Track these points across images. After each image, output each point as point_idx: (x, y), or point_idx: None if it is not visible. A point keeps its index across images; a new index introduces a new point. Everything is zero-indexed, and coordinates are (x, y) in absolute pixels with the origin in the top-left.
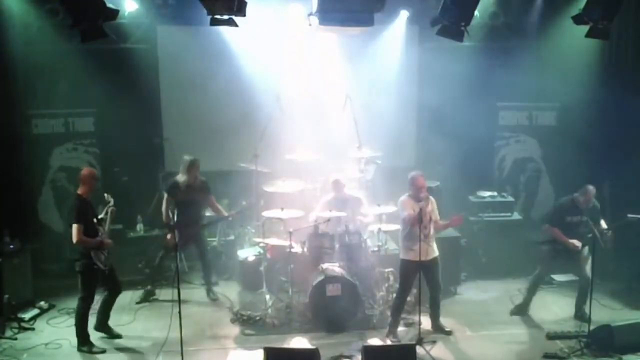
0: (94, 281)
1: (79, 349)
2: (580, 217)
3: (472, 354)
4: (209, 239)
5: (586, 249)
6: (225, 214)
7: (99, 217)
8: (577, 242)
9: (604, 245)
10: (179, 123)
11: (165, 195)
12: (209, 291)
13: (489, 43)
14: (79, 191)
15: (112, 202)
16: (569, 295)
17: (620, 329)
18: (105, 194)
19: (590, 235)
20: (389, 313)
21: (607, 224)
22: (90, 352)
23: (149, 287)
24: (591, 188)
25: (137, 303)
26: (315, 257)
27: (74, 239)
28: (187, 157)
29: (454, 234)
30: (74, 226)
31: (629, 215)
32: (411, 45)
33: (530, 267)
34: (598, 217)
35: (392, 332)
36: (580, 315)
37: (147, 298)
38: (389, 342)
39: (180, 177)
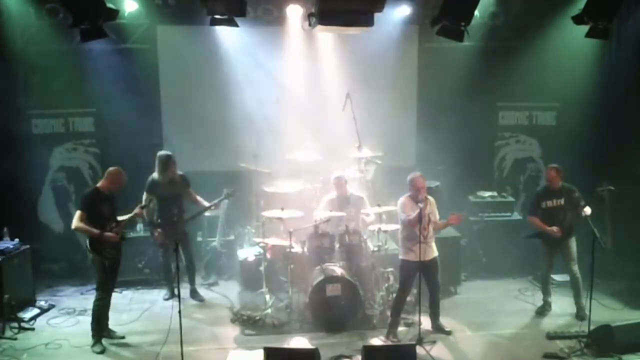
0: (101, 273)
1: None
2: (555, 201)
3: (472, 354)
4: (208, 239)
5: (574, 244)
6: (207, 204)
7: (122, 218)
8: (555, 229)
9: (604, 245)
10: (179, 123)
11: (145, 194)
12: (192, 292)
13: (489, 43)
14: (98, 184)
15: (142, 204)
16: (569, 295)
17: (620, 329)
18: (145, 196)
19: (569, 218)
20: (389, 313)
21: (584, 201)
22: (91, 349)
23: (172, 285)
24: (551, 166)
25: (166, 300)
26: (315, 257)
27: (72, 225)
28: (162, 153)
29: (454, 234)
30: (77, 212)
31: (598, 189)
32: (411, 45)
33: (530, 267)
34: (577, 200)
35: (392, 332)
36: (581, 315)
37: (174, 294)
38: (389, 342)
39: (157, 174)
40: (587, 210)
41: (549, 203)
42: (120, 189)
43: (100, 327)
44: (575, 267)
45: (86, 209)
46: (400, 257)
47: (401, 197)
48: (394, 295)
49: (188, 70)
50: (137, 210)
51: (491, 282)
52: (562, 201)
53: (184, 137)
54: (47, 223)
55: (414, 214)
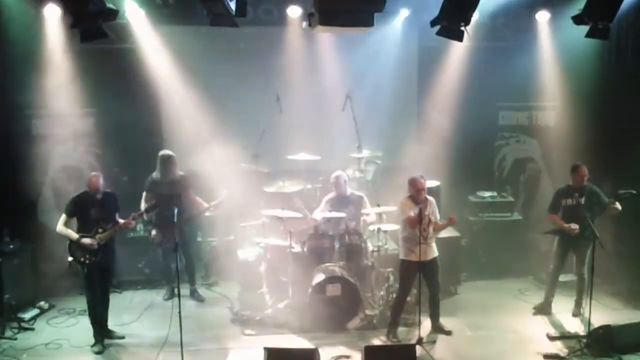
0: (82, 276)
1: None
2: (575, 200)
3: (472, 354)
4: (208, 239)
5: (590, 247)
6: (206, 205)
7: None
8: (573, 225)
9: (604, 245)
10: (179, 123)
11: (144, 193)
12: (192, 292)
13: (489, 43)
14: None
15: (137, 213)
16: (569, 295)
17: (620, 329)
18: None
19: (589, 218)
20: (388, 313)
21: (608, 198)
22: (91, 349)
23: (172, 286)
24: (579, 164)
25: (166, 300)
26: (315, 257)
27: (56, 228)
28: (163, 152)
29: (454, 234)
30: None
31: (620, 191)
32: (411, 45)
33: (530, 267)
34: (600, 199)
35: (392, 332)
36: (576, 312)
37: (174, 294)
38: (389, 342)
39: (157, 174)
40: (618, 206)
41: (569, 201)
42: (96, 193)
43: (98, 328)
44: (585, 269)
45: (68, 212)
46: (401, 257)
47: (402, 198)
48: (394, 295)
49: (188, 70)
50: (126, 220)
51: (491, 282)
52: (582, 200)
53: (184, 137)
54: (47, 223)
55: (414, 214)
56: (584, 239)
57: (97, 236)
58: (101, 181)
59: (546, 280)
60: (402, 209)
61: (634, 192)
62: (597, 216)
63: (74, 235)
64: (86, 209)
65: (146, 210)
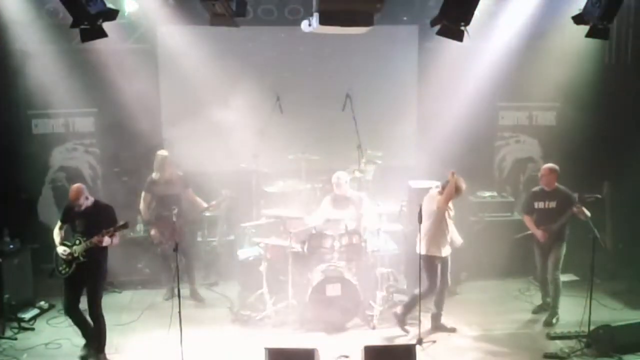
0: (64, 284)
1: None
2: (546, 204)
3: (472, 354)
4: (208, 239)
5: (561, 250)
6: (205, 205)
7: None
8: (539, 233)
9: (604, 245)
10: (179, 123)
11: (143, 193)
12: (192, 292)
13: (489, 43)
14: None
15: (110, 230)
16: (569, 295)
17: (620, 329)
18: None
19: (559, 222)
20: (388, 313)
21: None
22: None
23: (172, 286)
24: (546, 165)
25: (166, 300)
26: (315, 257)
27: None
28: (160, 153)
29: None
30: None
31: (585, 195)
32: (411, 45)
33: (530, 267)
34: (570, 202)
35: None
36: (549, 320)
37: (173, 294)
38: (389, 342)
39: (155, 174)
40: (585, 210)
41: (540, 204)
42: (76, 204)
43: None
44: (557, 273)
45: (60, 219)
46: (424, 253)
47: (431, 191)
48: (395, 294)
49: (188, 70)
50: (96, 237)
51: (491, 282)
52: (554, 204)
53: (184, 137)
54: (47, 223)
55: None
56: (555, 243)
57: (74, 247)
58: (81, 193)
59: (537, 282)
60: (428, 202)
61: (599, 196)
62: (569, 219)
63: (56, 242)
64: (73, 219)
65: (115, 230)
